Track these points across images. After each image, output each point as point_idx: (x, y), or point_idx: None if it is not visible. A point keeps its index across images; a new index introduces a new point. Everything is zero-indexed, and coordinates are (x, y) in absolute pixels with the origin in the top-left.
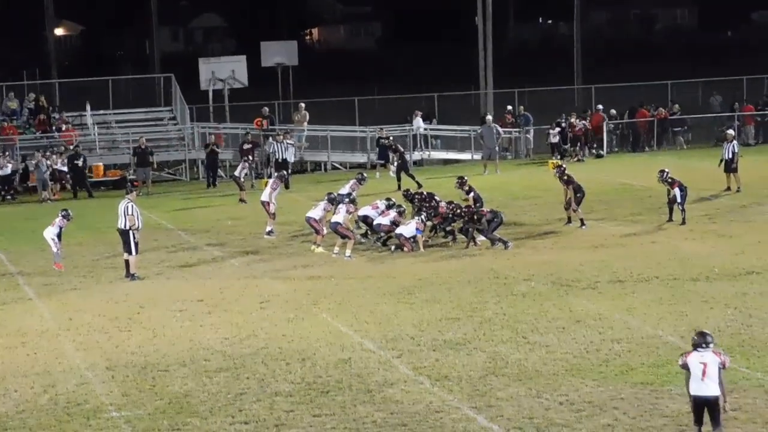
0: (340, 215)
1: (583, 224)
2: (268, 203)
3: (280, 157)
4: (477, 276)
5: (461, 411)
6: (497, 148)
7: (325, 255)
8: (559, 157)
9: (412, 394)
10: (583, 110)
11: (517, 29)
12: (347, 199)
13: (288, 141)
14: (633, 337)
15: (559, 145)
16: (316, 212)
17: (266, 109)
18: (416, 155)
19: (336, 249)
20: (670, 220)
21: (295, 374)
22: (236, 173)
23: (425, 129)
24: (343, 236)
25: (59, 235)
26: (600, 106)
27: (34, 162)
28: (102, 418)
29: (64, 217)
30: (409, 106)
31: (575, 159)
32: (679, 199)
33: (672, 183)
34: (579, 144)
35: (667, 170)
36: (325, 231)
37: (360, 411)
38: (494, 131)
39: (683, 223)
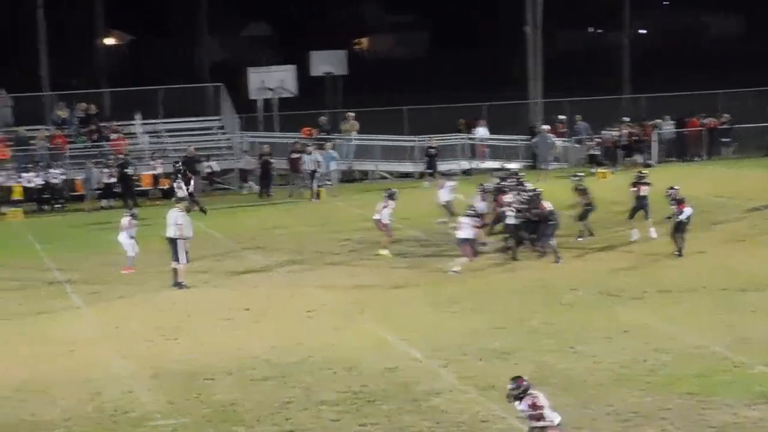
0: (384, 213)
1: (579, 237)
2: (381, 221)
3: (309, 168)
4: (524, 285)
5: (507, 421)
6: (549, 158)
7: (386, 259)
8: (596, 168)
9: (458, 404)
10: (636, 119)
11: (562, 38)
12: (386, 195)
13: (319, 153)
14: (680, 348)
15: (599, 156)
16: (382, 214)
17: (324, 118)
18: (465, 164)
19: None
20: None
21: (341, 383)
22: (189, 190)
23: (482, 138)
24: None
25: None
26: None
27: (85, 171)
28: (148, 426)
29: (133, 217)
30: (457, 115)
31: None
32: (681, 218)
33: (680, 202)
34: (629, 152)
35: (676, 187)
36: (392, 234)
37: (406, 420)
38: (548, 140)
39: (679, 253)
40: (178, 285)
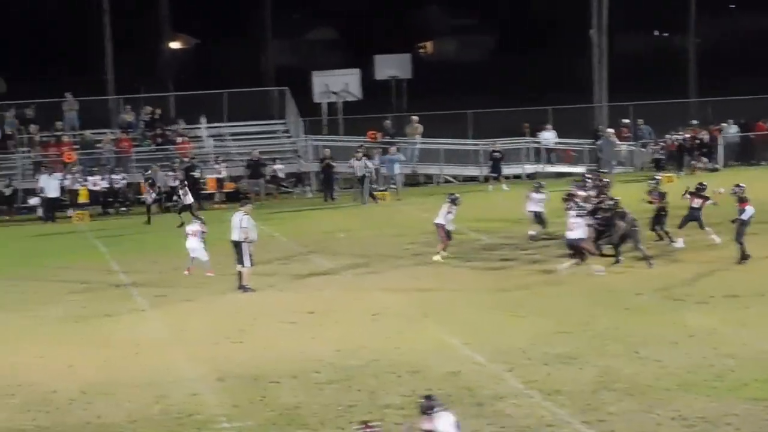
0: (446, 218)
1: (673, 242)
2: (443, 226)
3: (359, 173)
4: (588, 289)
5: (572, 426)
6: (613, 162)
7: (440, 264)
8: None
9: (522, 408)
10: (702, 123)
11: (627, 41)
12: (449, 200)
13: (367, 159)
14: (747, 353)
15: (662, 160)
16: (446, 219)
17: (388, 122)
18: (530, 168)
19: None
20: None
21: (405, 387)
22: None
23: (548, 142)
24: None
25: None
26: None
27: (150, 174)
28: (213, 429)
29: (203, 223)
30: (521, 119)
31: (696, 169)
32: (742, 216)
33: (743, 200)
34: (694, 155)
35: (742, 185)
36: (448, 239)
37: (471, 425)
38: (612, 144)
39: (743, 258)
40: (243, 288)
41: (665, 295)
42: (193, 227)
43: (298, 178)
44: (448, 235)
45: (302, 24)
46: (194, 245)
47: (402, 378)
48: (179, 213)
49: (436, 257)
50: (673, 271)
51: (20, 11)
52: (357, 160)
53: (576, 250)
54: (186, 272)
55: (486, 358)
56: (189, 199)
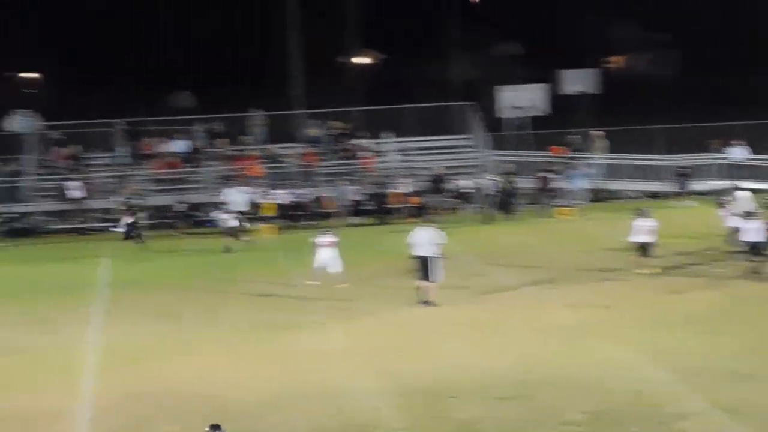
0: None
1: None
2: (644, 242)
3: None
4: None
5: None
6: None
7: (625, 279)
8: None
9: (707, 427)
10: None
11: None
12: (639, 214)
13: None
14: None
15: None
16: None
17: (574, 137)
18: (719, 184)
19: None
20: None
21: (585, 403)
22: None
23: (738, 158)
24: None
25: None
26: None
27: (336, 188)
28: None
29: (333, 235)
30: (709, 135)
31: None
32: None
33: None
34: None
35: None
36: (648, 253)
37: None
38: None
39: None
40: (426, 302)
41: None
42: (325, 238)
43: (480, 193)
44: (647, 249)
45: (488, 38)
46: (327, 256)
47: (582, 395)
48: (229, 237)
49: (643, 270)
50: None
51: (212, 29)
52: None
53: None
54: (313, 282)
55: (668, 376)
56: (233, 222)
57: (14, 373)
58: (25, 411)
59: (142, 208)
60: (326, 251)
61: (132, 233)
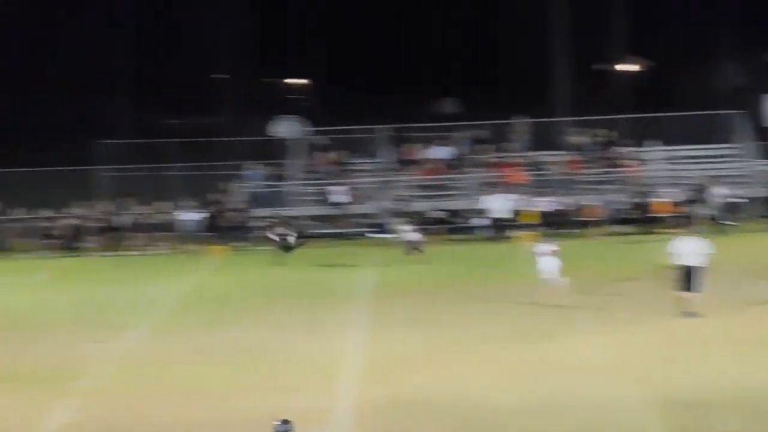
0: None
1: None
2: None
3: None
4: None
5: None
6: None
7: None
8: None
9: None
10: None
11: None
12: None
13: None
14: None
15: None
16: None
17: None
18: None
19: None
20: None
21: None
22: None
23: None
24: None
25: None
26: None
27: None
28: None
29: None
30: None
31: None
32: None
33: None
34: None
35: None
36: None
37: None
38: None
39: None
40: (688, 313)
41: None
42: (546, 247)
43: (747, 204)
44: None
45: (757, 45)
46: (549, 265)
47: None
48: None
49: None
50: None
51: (473, 37)
52: None
53: None
54: (551, 291)
55: None
56: (414, 235)
57: (278, 374)
58: (287, 411)
59: (406, 215)
60: (546, 260)
61: (286, 244)
